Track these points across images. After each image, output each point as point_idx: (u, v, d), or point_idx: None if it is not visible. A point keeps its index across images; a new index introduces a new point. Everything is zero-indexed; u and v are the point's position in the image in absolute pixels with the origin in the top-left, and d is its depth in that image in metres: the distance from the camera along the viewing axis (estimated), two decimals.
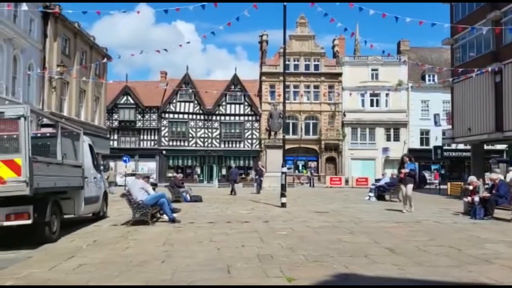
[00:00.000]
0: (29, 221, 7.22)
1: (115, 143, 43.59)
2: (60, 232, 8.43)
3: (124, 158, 31.82)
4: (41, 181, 7.28)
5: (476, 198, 11.65)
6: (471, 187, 12.80)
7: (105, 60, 31.94)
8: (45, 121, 21.41)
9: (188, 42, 18.35)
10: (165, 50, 18.28)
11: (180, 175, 21.43)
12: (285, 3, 15.03)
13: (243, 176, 44.73)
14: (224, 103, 46.01)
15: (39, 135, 8.70)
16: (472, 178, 13.37)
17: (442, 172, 42.88)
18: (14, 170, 6.79)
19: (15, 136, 6.95)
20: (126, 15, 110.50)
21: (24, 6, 20.51)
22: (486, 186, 13.39)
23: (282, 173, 15.55)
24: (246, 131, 46.14)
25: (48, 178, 7.72)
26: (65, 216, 9.36)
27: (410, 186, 13.07)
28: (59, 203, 8.59)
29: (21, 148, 6.86)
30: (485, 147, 30.47)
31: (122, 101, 45.36)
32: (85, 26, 34.17)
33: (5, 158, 6.82)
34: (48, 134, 8.72)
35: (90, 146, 11.18)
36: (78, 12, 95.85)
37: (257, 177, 25.00)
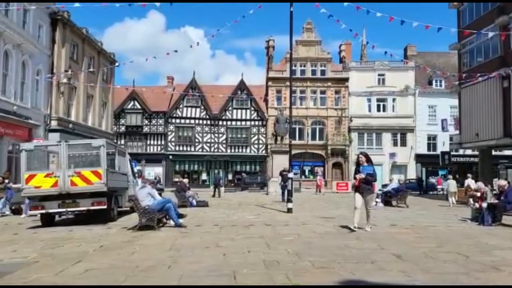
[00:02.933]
0: (105, 207, 11.61)
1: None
2: (68, 236, 8.97)
3: (131, 163, 31.92)
4: (110, 183, 11.69)
5: (484, 204, 11.55)
6: (478, 194, 12.71)
7: (117, 64, 32.22)
8: (52, 125, 23.76)
9: (198, 43, 18.90)
10: (175, 51, 19.02)
11: (186, 180, 21.43)
12: (291, 9, 15.09)
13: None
14: (230, 108, 46.10)
15: (110, 152, 12.75)
16: (480, 184, 13.28)
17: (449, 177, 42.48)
18: (98, 176, 11.32)
19: (97, 155, 11.66)
20: (136, 21, 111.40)
21: (32, 13, 20.76)
22: (495, 191, 13.29)
23: (289, 178, 15.55)
24: (252, 136, 46.15)
25: (113, 182, 12.13)
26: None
27: (371, 198, 10.28)
28: (117, 197, 13.02)
29: (101, 163, 11.49)
30: (493, 152, 30.24)
31: (129, 106, 45.62)
32: (94, 32, 34.66)
33: (93, 169, 11.46)
34: (111, 152, 12.89)
35: (129, 159, 15.80)
36: (88, 18, 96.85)
37: (282, 183, 22.02)
